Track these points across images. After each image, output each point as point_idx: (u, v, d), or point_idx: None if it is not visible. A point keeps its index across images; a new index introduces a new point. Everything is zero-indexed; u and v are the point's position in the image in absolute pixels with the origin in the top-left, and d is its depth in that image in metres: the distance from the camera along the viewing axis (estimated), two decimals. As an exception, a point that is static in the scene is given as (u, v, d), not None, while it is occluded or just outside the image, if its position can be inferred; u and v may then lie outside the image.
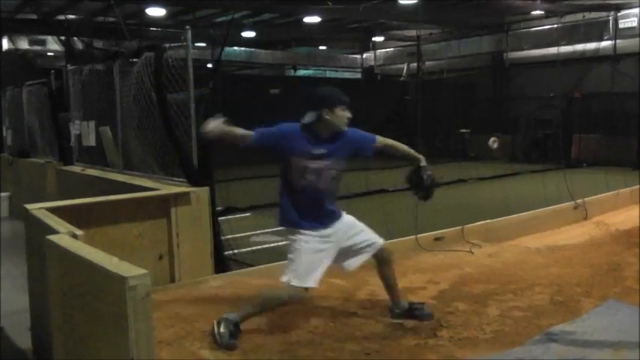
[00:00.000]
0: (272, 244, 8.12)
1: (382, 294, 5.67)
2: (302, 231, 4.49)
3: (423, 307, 5.10)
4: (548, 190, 11.78)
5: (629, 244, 7.85)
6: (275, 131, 4.51)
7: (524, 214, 8.96)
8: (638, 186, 11.61)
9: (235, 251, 7.03)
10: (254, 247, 8.01)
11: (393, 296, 5.03)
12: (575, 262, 7.06)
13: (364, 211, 10.83)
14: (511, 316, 5.16)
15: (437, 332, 4.74)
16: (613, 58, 20.79)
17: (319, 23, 20.91)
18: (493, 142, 22.04)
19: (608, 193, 10.90)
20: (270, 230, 8.84)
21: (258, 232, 8.80)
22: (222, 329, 4.42)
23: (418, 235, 7.18)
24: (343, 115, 4.42)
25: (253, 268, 6.46)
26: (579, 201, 9.76)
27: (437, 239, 7.60)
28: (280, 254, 7.09)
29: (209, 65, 20.98)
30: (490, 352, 4.42)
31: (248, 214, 10.40)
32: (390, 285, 5.02)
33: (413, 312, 4.96)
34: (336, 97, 4.42)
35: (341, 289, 5.90)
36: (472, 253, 7.36)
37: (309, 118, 4.39)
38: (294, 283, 4.39)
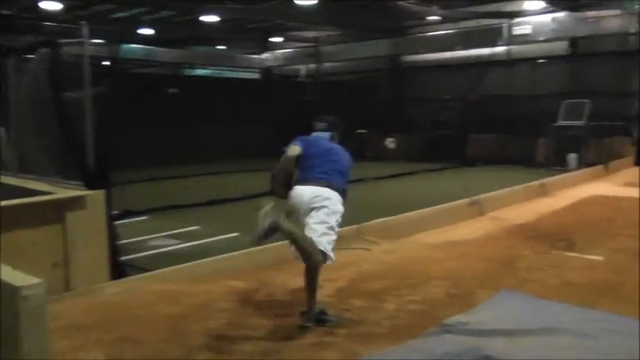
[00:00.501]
0: (169, 248, 8.01)
1: (280, 294, 5.74)
2: None
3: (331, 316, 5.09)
4: (444, 188, 12.21)
5: (523, 238, 8.29)
6: None
7: (421, 211, 9.21)
8: (532, 183, 12.36)
9: (132, 256, 6.89)
10: (151, 252, 7.85)
11: (310, 299, 5.00)
12: (470, 256, 7.36)
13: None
14: (407, 310, 5.32)
15: (334, 330, 4.80)
16: (507, 62, 21.81)
17: (218, 22, 20.75)
18: (390, 142, 22.67)
19: (502, 190, 11.39)
20: (167, 233, 8.72)
21: (155, 235, 8.64)
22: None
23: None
24: None
25: (151, 272, 6.31)
26: (475, 198, 10.15)
27: (334, 238, 7.68)
28: (178, 258, 7.04)
29: (106, 63, 20.48)
30: (387, 345, 4.52)
31: (145, 218, 10.21)
32: (311, 287, 5.01)
33: (322, 318, 4.94)
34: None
35: (238, 290, 5.90)
36: (369, 250, 7.50)
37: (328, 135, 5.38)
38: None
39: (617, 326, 4.80)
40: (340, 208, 4.96)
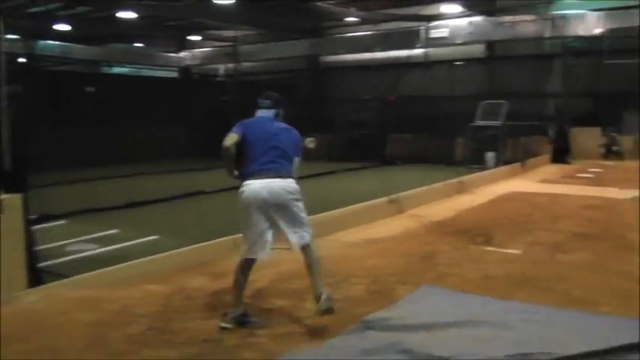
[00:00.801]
0: (88, 253, 7.82)
1: (200, 297, 5.71)
2: None
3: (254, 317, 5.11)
4: (364, 187, 12.35)
5: (442, 234, 8.52)
6: None
7: (341, 209, 9.31)
8: (451, 180, 12.72)
9: (50, 262, 6.70)
10: (70, 257, 7.63)
11: (236, 300, 5.01)
12: (390, 253, 7.49)
13: (181, 213, 10.82)
14: (329, 309, 5.38)
15: (255, 330, 4.81)
16: (425, 64, 22.31)
17: (135, 19, 20.38)
18: (310, 142, 22.72)
19: (421, 188, 11.67)
20: (86, 238, 8.50)
21: (74, 240, 8.41)
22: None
23: (234, 236, 7.20)
24: None
25: (69, 279, 6.15)
26: (394, 196, 10.32)
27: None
28: (97, 262, 6.88)
29: (22, 60, 19.76)
30: (308, 345, 4.57)
31: (63, 222, 9.92)
32: (240, 287, 5.03)
33: (243, 319, 4.94)
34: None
35: (158, 294, 5.84)
36: (290, 249, 7.49)
37: (272, 113, 5.29)
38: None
39: (535, 316, 4.99)
40: (297, 187, 5.02)
